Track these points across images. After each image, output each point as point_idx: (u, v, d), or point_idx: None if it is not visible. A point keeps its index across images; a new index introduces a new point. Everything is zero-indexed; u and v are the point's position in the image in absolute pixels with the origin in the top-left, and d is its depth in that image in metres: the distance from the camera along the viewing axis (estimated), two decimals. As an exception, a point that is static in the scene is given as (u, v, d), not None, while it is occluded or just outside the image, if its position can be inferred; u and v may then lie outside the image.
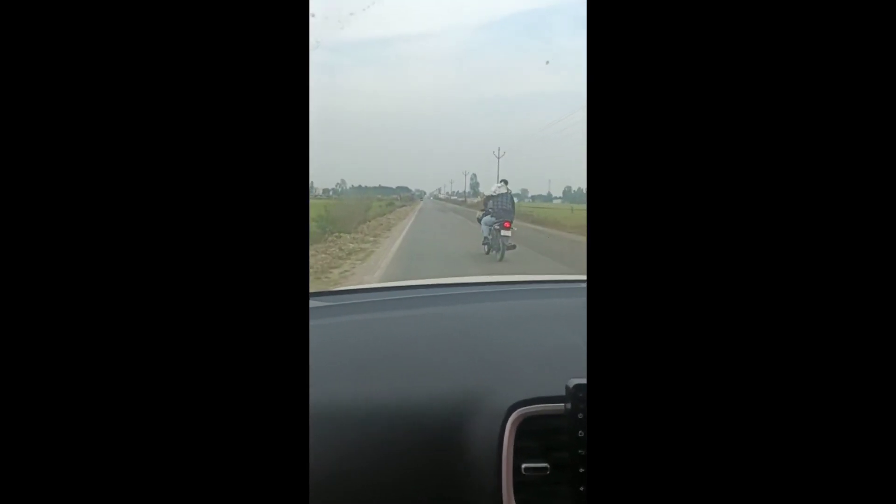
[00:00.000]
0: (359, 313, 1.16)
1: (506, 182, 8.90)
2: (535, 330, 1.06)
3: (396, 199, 62.77)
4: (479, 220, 8.90)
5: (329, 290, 1.62)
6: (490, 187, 9.48)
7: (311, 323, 0.82)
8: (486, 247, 8.58)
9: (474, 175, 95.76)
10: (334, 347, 0.98)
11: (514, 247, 8.29)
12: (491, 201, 8.65)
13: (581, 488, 0.74)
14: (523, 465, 0.76)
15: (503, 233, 8.15)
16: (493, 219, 8.32)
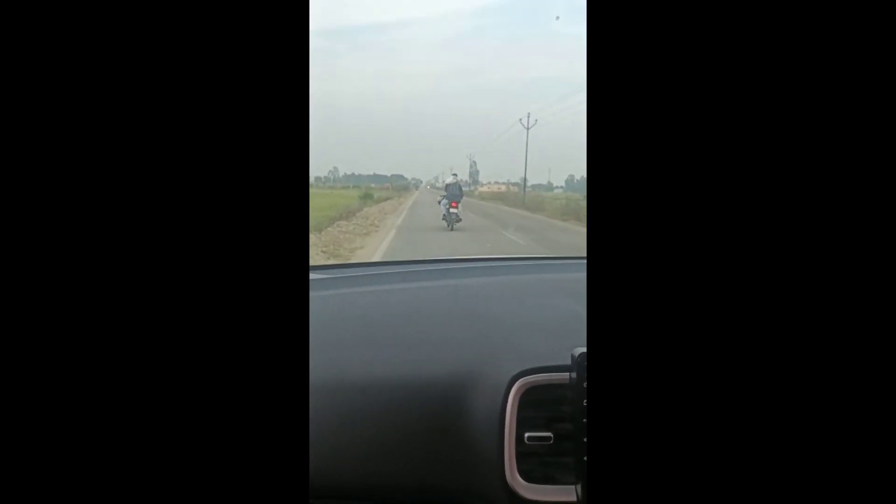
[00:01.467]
0: (360, 286, 1.18)
1: (455, 175, 13.99)
2: (539, 301, 1.06)
3: (380, 188, 53.15)
4: (439, 203, 13.33)
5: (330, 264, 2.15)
6: (449, 177, 13.96)
7: (312, 294, 0.89)
8: (444, 221, 12.65)
9: (474, 162, 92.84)
10: (335, 318, 0.98)
11: (460, 220, 12.57)
12: (447, 188, 13.17)
13: (585, 458, 0.73)
14: (526, 435, 0.77)
15: (451, 210, 12.42)
16: (447, 200, 12.64)
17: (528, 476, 0.76)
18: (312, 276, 1.15)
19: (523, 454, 0.76)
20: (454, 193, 12.77)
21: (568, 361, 0.76)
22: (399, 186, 67.29)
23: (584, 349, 0.73)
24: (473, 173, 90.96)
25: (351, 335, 0.93)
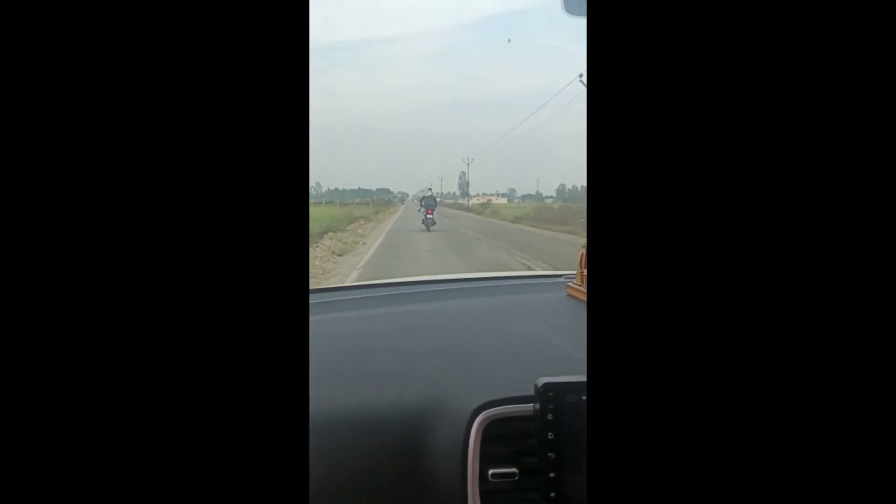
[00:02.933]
0: (323, 313, 1.14)
1: (430, 188, 21.01)
2: (509, 327, 1.04)
3: (360, 203, 46.46)
4: (419, 211, 18.57)
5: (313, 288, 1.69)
6: (426, 191, 20.19)
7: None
8: (423, 224, 16.99)
9: (463, 173, 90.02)
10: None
11: (435, 223, 17.13)
12: (423, 199, 18.34)
13: (552, 494, 0.70)
14: (490, 471, 0.73)
15: (428, 216, 16.98)
16: (424, 209, 17.34)
17: None
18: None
19: (487, 492, 0.72)
20: (430, 204, 17.56)
21: (531, 391, 0.71)
22: (381, 201, 58.53)
23: (548, 379, 0.71)
24: (463, 185, 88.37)
25: (313, 366, 0.72)
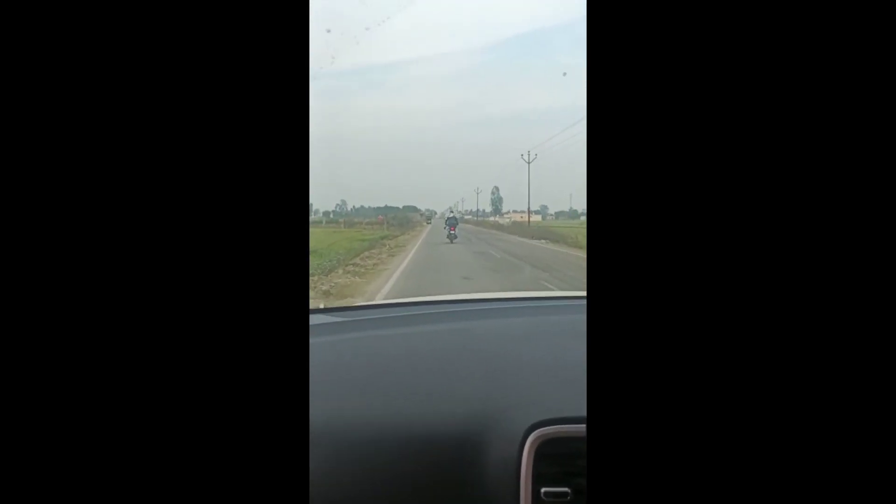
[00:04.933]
0: (367, 330, 1.19)
1: (451, 209, 24.71)
2: (551, 346, 1.03)
3: (369, 224, 34.98)
4: (444, 228, 21.68)
5: (340, 305, 1.78)
6: (447, 212, 23.42)
7: (323, 339, 1.00)
8: (448, 238, 20.15)
9: (496, 188, 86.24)
10: (342, 365, 0.98)
11: (456, 237, 20.56)
12: (448, 219, 21.57)
13: None
14: (543, 490, 0.75)
15: (451, 232, 20.41)
16: (448, 226, 20.65)
17: None
18: (320, 319, 1.22)
19: None
20: (452, 222, 20.82)
21: (584, 412, 0.75)
22: (399, 219, 41.72)
23: None
24: (496, 201, 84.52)
25: (359, 384, 0.90)
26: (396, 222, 37.76)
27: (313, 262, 11.48)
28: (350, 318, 1.27)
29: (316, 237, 19.84)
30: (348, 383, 0.91)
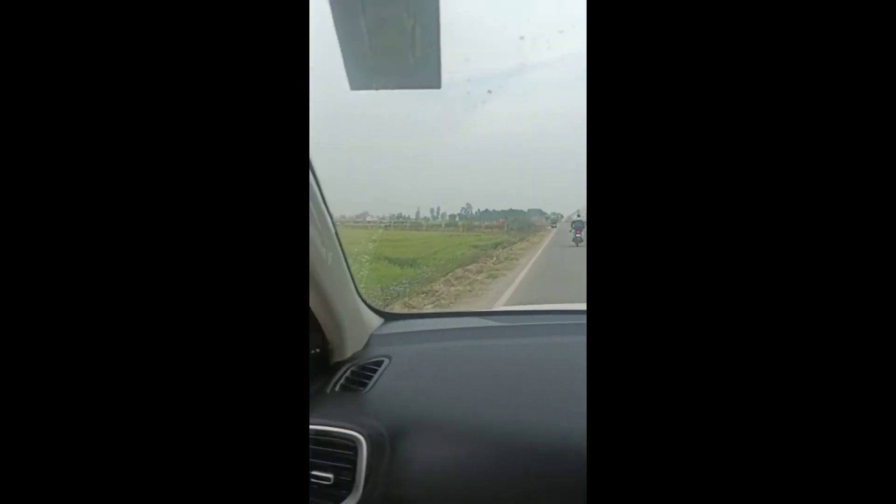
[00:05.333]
0: (514, 337, 1.31)
1: (579, 213, 20.10)
2: None
3: (486, 227, 31.33)
4: (570, 231, 19.23)
5: (491, 309, 2.09)
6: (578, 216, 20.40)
7: (464, 343, 1.21)
8: (573, 242, 17.85)
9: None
10: (492, 369, 1.12)
11: (582, 240, 18.54)
12: (574, 223, 19.33)
13: None
14: None
15: (577, 235, 18.57)
16: (574, 230, 18.79)
17: None
18: (475, 322, 1.42)
19: None
20: (578, 226, 18.85)
21: None
22: (519, 224, 37.22)
23: None
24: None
25: (508, 389, 1.02)
26: (516, 226, 33.39)
27: (394, 274, 9.34)
28: (509, 323, 1.40)
29: (423, 241, 17.54)
30: (506, 388, 1.03)
